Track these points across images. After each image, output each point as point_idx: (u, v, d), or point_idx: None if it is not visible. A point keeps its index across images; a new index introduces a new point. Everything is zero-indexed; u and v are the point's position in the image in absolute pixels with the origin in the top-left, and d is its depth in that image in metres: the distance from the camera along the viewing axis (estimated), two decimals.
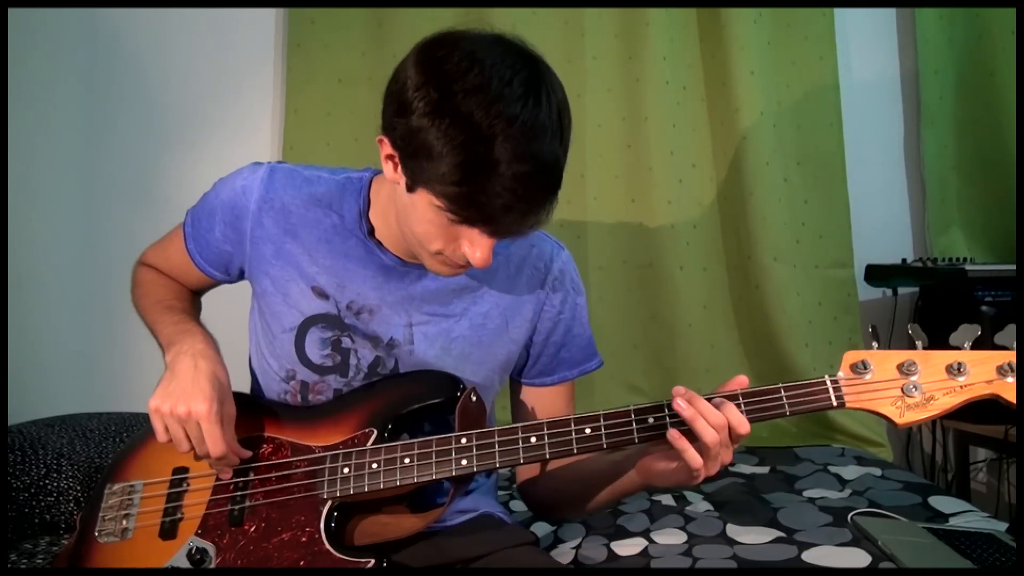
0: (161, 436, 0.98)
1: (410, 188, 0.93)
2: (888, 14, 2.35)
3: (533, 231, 0.94)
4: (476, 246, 0.92)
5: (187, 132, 2.13)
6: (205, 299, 1.27)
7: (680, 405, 0.93)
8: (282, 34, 2.17)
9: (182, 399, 0.96)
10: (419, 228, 0.95)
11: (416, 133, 0.87)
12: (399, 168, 0.93)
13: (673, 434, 0.93)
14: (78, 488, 1.40)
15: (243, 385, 1.14)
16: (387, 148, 0.94)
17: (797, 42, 2.21)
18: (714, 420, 0.92)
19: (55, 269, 2.05)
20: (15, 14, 1.87)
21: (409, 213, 0.96)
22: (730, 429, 0.92)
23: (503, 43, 0.91)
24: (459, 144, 0.85)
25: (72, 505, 1.38)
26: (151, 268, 1.23)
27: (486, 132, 0.84)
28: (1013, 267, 1.96)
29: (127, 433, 1.55)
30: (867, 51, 2.33)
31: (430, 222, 0.93)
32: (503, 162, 0.84)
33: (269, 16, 2.18)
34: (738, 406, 0.94)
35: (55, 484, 1.38)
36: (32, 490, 1.36)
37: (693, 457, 0.92)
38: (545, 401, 1.18)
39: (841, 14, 2.24)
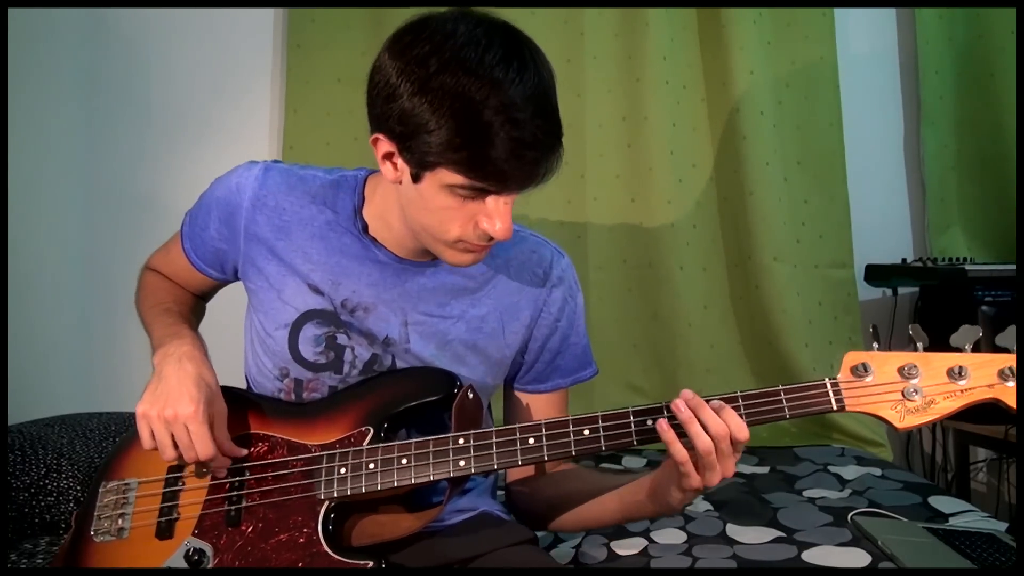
0: (147, 442, 0.97)
1: (416, 177, 0.92)
2: (888, 14, 2.35)
3: (546, 180, 0.92)
4: (495, 216, 0.92)
5: (187, 132, 2.13)
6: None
7: (679, 406, 0.93)
8: (282, 34, 2.17)
9: (169, 402, 0.95)
10: (433, 218, 0.94)
11: (410, 114, 0.88)
12: (400, 162, 0.93)
13: (662, 424, 0.93)
14: (78, 488, 1.40)
15: (238, 386, 1.14)
16: (384, 145, 0.94)
17: (797, 42, 2.21)
18: (714, 428, 0.91)
19: (55, 269, 2.05)
20: (15, 14, 1.87)
21: (419, 206, 0.95)
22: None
23: (470, 13, 0.92)
24: (456, 108, 0.85)
25: (72, 505, 1.38)
26: (155, 272, 1.23)
27: (478, 91, 0.85)
28: (1013, 267, 1.96)
29: (126, 432, 1.55)
30: (867, 51, 2.33)
31: (443, 207, 0.93)
32: (503, 113, 0.85)
33: (269, 16, 2.18)
34: (737, 408, 0.93)
35: (55, 484, 1.38)
36: (32, 490, 1.36)
37: (679, 451, 0.92)
38: (538, 408, 1.18)
39: (841, 14, 2.24)
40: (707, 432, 0.91)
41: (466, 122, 0.85)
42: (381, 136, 0.94)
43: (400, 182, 0.96)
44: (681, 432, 0.93)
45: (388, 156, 0.95)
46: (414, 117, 0.87)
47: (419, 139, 0.88)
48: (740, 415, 0.93)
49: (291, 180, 1.09)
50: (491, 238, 0.95)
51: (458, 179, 0.89)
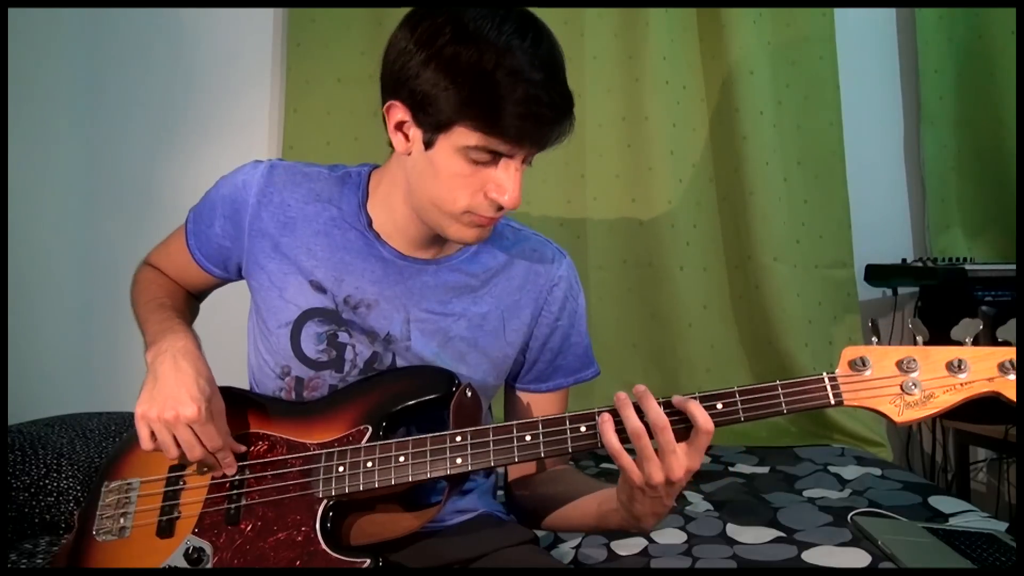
0: (146, 444, 0.97)
1: (429, 143, 0.93)
2: (888, 14, 2.36)
3: (558, 143, 0.94)
4: (505, 183, 0.93)
5: (187, 131, 2.13)
6: (205, 301, 1.26)
7: (619, 395, 0.91)
8: (282, 34, 2.17)
9: (169, 403, 0.95)
10: (442, 188, 0.95)
11: (426, 76, 0.90)
12: (412, 131, 0.95)
13: (603, 417, 0.92)
14: (78, 488, 1.40)
15: (241, 384, 1.14)
16: (397, 112, 0.95)
17: (797, 42, 2.21)
18: (652, 416, 0.89)
19: (56, 269, 2.05)
20: (15, 14, 1.87)
21: (428, 177, 0.96)
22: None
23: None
24: (473, 68, 0.88)
25: (72, 505, 1.38)
26: (152, 268, 1.23)
27: (495, 52, 0.87)
28: (1013, 267, 1.96)
29: (127, 433, 1.55)
30: (867, 51, 2.33)
31: (455, 174, 0.93)
32: (518, 73, 0.87)
33: (269, 16, 2.18)
34: (734, 403, 0.92)
35: (55, 484, 1.38)
36: (32, 490, 1.36)
37: (609, 442, 0.90)
38: (539, 407, 1.18)
39: (841, 14, 2.24)
40: (647, 421, 0.89)
41: (482, 81, 0.87)
42: (396, 102, 0.95)
43: (410, 153, 0.97)
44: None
45: (400, 126, 0.96)
46: (430, 78, 0.89)
47: (435, 99, 0.90)
48: (738, 410, 0.91)
49: (296, 177, 1.10)
50: (499, 208, 0.95)
51: (473, 138, 0.90)
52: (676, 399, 0.91)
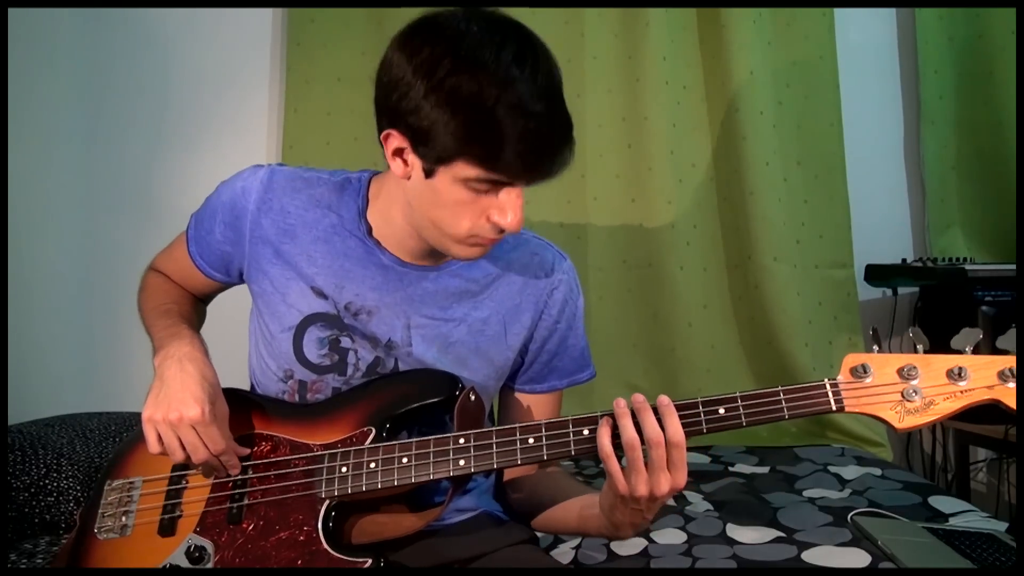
0: (153, 446, 0.97)
1: (429, 172, 0.93)
2: (887, 14, 2.36)
3: (560, 172, 0.93)
4: (508, 209, 0.93)
5: (187, 132, 2.14)
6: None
7: (619, 402, 0.92)
8: (282, 34, 2.18)
9: (173, 405, 0.96)
10: (444, 213, 0.95)
11: (426, 111, 0.89)
12: (411, 158, 0.94)
13: (603, 420, 0.92)
14: (78, 488, 1.40)
15: (241, 385, 1.14)
16: (395, 141, 0.94)
17: (797, 42, 2.21)
18: (648, 431, 0.89)
19: (56, 269, 2.05)
20: (15, 14, 1.87)
21: (429, 202, 0.95)
22: (666, 443, 0.89)
23: (480, 12, 0.94)
24: (473, 104, 0.87)
25: (72, 505, 1.38)
26: (158, 273, 1.23)
27: (494, 87, 0.86)
28: (1013, 267, 1.96)
29: (127, 433, 1.55)
30: (867, 51, 2.33)
31: (456, 202, 0.93)
32: (518, 107, 0.87)
33: (269, 16, 2.18)
34: (735, 408, 0.92)
35: (55, 484, 1.39)
36: (32, 490, 1.36)
37: (603, 445, 0.91)
38: (533, 408, 1.18)
39: (841, 14, 2.24)
40: (642, 434, 0.89)
41: (483, 117, 0.87)
42: (393, 132, 0.94)
43: (409, 178, 0.96)
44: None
45: (398, 152, 0.95)
46: (431, 114, 0.88)
47: (435, 134, 0.89)
48: (740, 415, 0.92)
49: (296, 183, 1.10)
50: (502, 231, 0.95)
51: (474, 172, 0.90)
52: (660, 402, 0.91)
